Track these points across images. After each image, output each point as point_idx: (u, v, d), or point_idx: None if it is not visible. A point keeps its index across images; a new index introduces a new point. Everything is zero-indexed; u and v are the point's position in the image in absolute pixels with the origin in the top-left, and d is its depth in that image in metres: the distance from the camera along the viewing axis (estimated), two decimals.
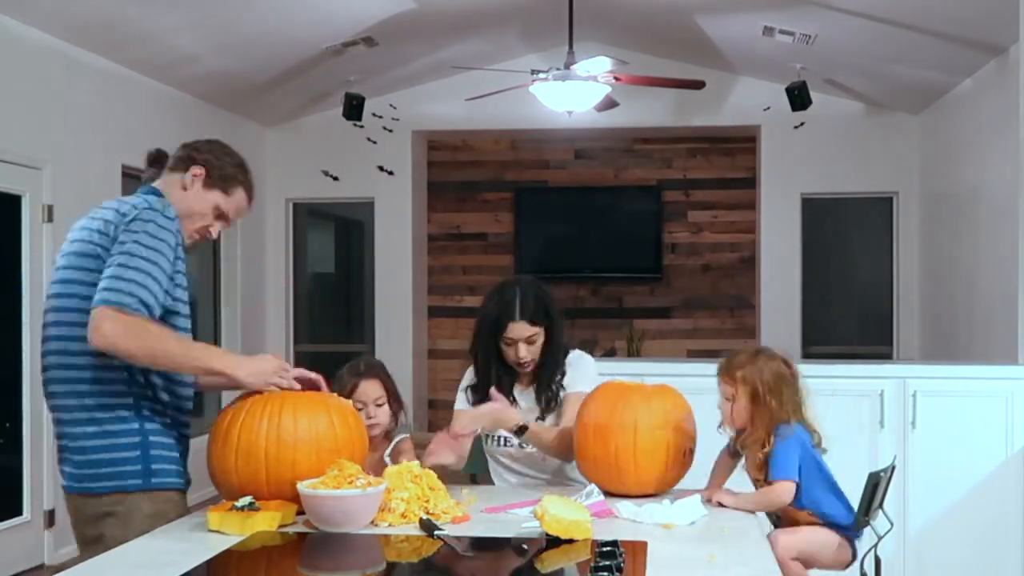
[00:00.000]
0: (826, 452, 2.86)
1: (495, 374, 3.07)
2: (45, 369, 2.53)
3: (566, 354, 3.11)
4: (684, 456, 2.78)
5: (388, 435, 3.03)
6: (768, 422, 2.76)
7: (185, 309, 2.54)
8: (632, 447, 2.71)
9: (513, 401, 3.05)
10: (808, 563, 2.85)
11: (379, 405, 2.97)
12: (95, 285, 2.37)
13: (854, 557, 2.93)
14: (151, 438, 2.49)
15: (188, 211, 2.56)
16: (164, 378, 2.51)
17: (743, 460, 2.88)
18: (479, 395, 3.08)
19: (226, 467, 2.44)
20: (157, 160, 2.65)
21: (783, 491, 2.74)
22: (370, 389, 2.96)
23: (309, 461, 2.41)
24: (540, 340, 3.00)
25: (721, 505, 2.65)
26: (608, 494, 2.62)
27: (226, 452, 2.44)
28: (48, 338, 2.53)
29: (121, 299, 2.32)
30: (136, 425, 2.47)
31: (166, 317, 2.45)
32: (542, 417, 3.06)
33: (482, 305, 3.10)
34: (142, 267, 2.36)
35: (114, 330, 2.31)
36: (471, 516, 2.50)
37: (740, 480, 2.89)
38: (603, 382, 2.94)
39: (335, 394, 2.67)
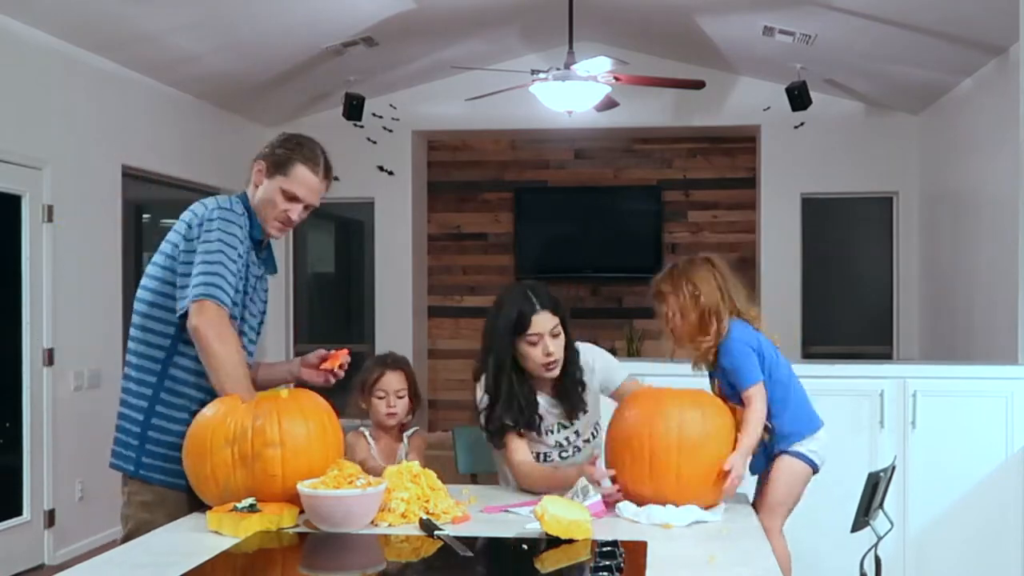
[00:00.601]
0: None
1: (516, 389, 2.90)
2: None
3: (577, 354, 3.03)
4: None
5: (403, 427, 3.17)
6: (717, 327, 2.67)
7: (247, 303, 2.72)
8: (679, 454, 2.55)
9: (540, 419, 2.94)
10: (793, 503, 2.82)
11: (400, 397, 3.12)
12: (159, 278, 2.62)
13: (815, 470, 2.86)
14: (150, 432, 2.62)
15: (262, 204, 2.69)
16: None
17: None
18: (499, 413, 2.90)
19: (203, 474, 2.45)
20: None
21: (758, 397, 2.66)
22: (393, 380, 3.12)
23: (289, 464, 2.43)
24: (563, 334, 2.92)
25: (729, 476, 2.53)
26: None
27: (202, 461, 2.44)
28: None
29: (213, 294, 2.51)
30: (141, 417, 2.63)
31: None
32: (569, 420, 2.98)
33: (492, 314, 2.95)
34: (224, 262, 2.54)
35: (203, 321, 2.49)
36: (471, 516, 2.50)
37: None
38: (641, 388, 2.88)
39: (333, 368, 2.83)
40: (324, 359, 2.87)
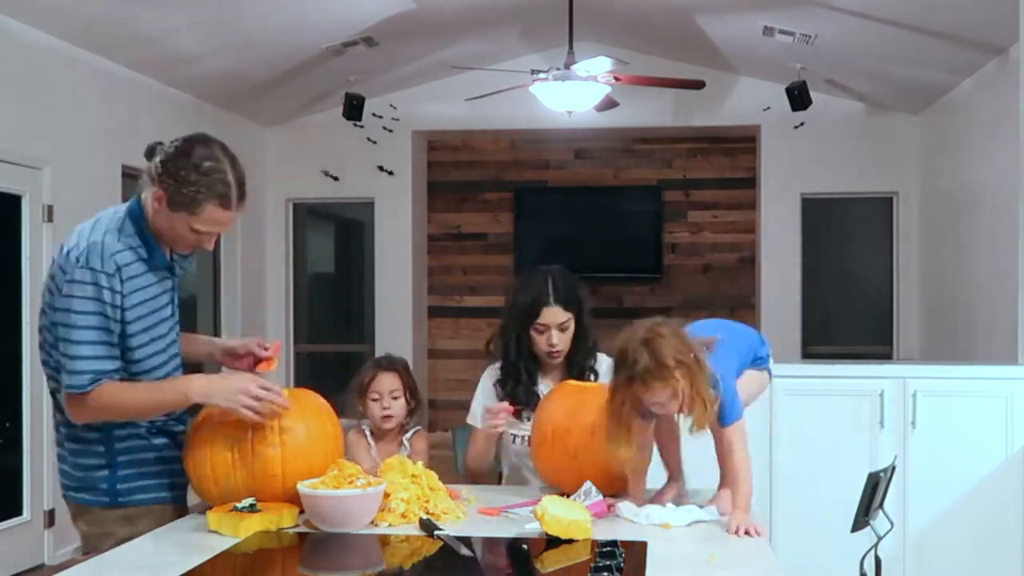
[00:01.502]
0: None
1: (524, 366, 3.05)
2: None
3: (595, 353, 3.10)
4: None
5: (402, 428, 3.13)
6: (706, 380, 2.42)
7: (144, 339, 2.41)
8: (592, 448, 2.62)
9: (537, 399, 3.04)
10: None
11: (395, 398, 3.07)
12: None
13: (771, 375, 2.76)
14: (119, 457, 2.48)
15: (165, 231, 2.41)
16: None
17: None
18: (507, 388, 3.08)
19: (203, 474, 2.44)
20: (151, 156, 2.44)
21: (742, 441, 2.50)
22: (387, 381, 3.07)
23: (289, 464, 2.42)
24: (571, 329, 3.01)
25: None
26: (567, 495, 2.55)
27: (201, 460, 2.44)
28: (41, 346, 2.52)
29: (76, 381, 2.30)
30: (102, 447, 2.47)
31: (126, 355, 2.39)
32: None
33: (511, 294, 3.12)
34: (75, 339, 2.29)
35: (82, 416, 2.37)
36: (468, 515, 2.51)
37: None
38: (560, 384, 2.95)
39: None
40: (256, 358, 2.67)
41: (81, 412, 2.37)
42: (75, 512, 2.53)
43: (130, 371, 2.41)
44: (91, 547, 2.43)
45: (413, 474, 2.51)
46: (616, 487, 2.67)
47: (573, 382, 2.96)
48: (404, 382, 3.10)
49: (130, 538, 2.33)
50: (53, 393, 2.51)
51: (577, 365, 3.07)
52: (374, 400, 3.07)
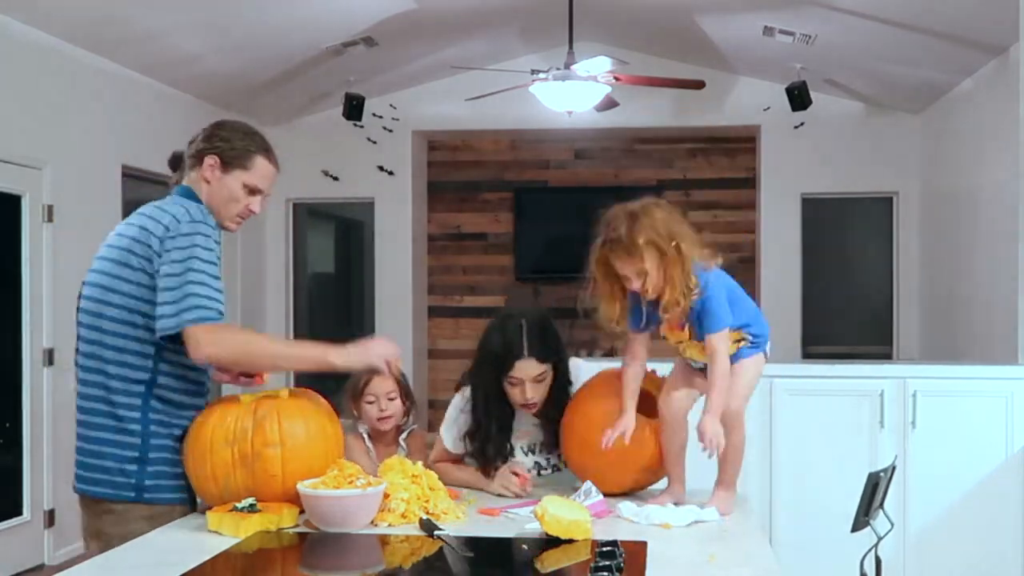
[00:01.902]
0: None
1: (495, 412, 2.84)
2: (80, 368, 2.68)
3: (569, 380, 2.88)
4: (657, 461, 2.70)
5: (399, 429, 3.15)
6: (683, 272, 2.43)
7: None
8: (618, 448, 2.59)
9: (511, 450, 2.89)
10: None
11: (391, 399, 3.08)
12: (130, 295, 2.51)
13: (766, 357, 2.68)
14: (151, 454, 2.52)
15: (220, 201, 2.57)
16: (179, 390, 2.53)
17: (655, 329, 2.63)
18: (476, 444, 2.86)
19: (203, 474, 2.43)
20: (176, 163, 2.65)
21: (723, 348, 2.48)
22: (382, 384, 3.07)
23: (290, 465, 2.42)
24: (548, 379, 2.77)
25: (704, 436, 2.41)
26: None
27: (201, 460, 2.44)
28: (81, 339, 2.68)
29: (208, 315, 2.40)
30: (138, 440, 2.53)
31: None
32: (549, 452, 2.92)
33: (484, 336, 2.89)
34: (208, 281, 2.44)
35: (215, 346, 2.41)
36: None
37: None
38: (595, 376, 2.85)
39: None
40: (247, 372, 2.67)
41: (209, 345, 2.39)
42: (92, 507, 2.58)
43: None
44: (107, 545, 2.42)
45: (413, 474, 2.51)
46: (635, 483, 2.66)
47: (604, 375, 2.80)
48: (399, 383, 3.10)
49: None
50: (84, 373, 2.68)
51: (553, 417, 2.81)
52: (370, 403, 3.07)
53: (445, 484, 2.56)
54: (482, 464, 2.86)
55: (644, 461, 2.70)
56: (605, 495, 2.53)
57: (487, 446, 2.84)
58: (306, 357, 2.58)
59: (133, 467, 2.53)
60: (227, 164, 2.54)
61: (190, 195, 2.57)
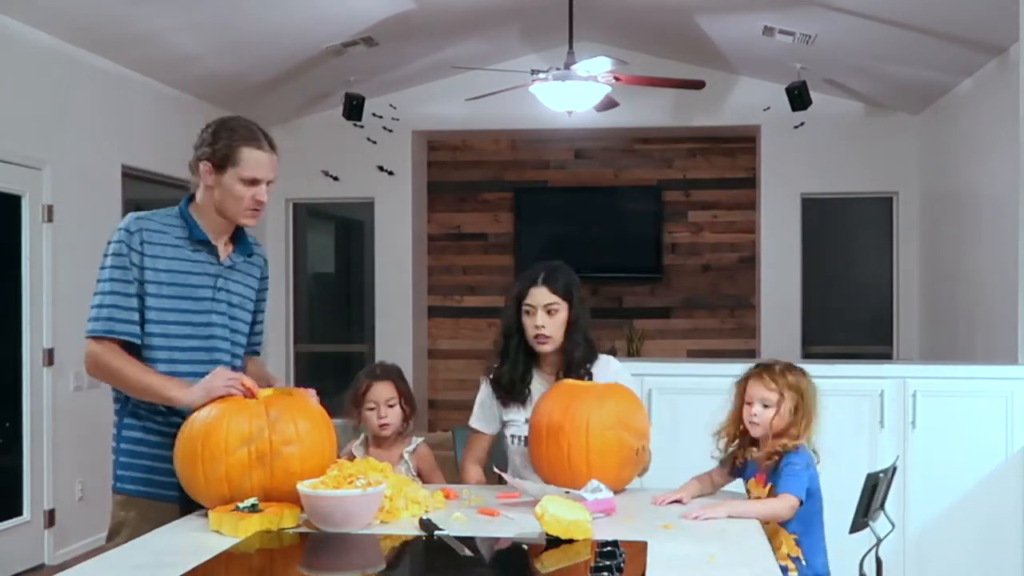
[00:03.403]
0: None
1: (520, 360, 3.06)
2: None
3: (593, 353, 3.09)
4: (636, 454, 2.81)
5: (400, 436, 3.12)
6: (800, 434, 2.72)
7: (167, 313, 2.61)
8: (585, 446, 2.73)
9: (529, 394, 3.07)
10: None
11: (390, 406, 3.08)
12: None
13: None
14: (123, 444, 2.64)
15: (227, 201, 2.63)
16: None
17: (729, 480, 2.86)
18: (502, 379, 3.09)
19: (215, 476, 2.43)
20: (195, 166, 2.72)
21: (788, 506, 2.65)
22: (382, 391, 3.08)
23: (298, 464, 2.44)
24: (561, 316, 3.01)
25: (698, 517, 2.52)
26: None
27: (213, 463, 2.43)
28: None
29: (92, 328, 2.56)
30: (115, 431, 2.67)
31: (146, 325, 2.59)
32: None
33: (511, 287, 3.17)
34: (98, 296, 2.57)
35: (86, 361, 2.59)
36: (499, 512, 2.53)
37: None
38: (557, 383, 2.98)
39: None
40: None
41: (89, 361, 2.58)
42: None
43: (156, 342, 2.58)
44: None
45: (381, 470, 2.52)
46: (614, 488, 2.68)
47: (570, 380, 2.97)
48: (399, 390, 3.10)
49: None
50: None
51: (569, 357, 3.04)
52: (370, 410, 3.07)
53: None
54: (502, 399, 3.09)
55: (621, 460, 2.78)
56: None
57: (512, 377, 3.05)
58: (152, 390, 2.56)
59: (112, 456, 2.70)
60: (218, 166, 2.60)
61: (181, 205, 2.69)
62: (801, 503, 2.67)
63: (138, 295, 2.56)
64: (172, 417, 2.58)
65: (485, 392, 3.17)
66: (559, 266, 3.10)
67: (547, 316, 2.99)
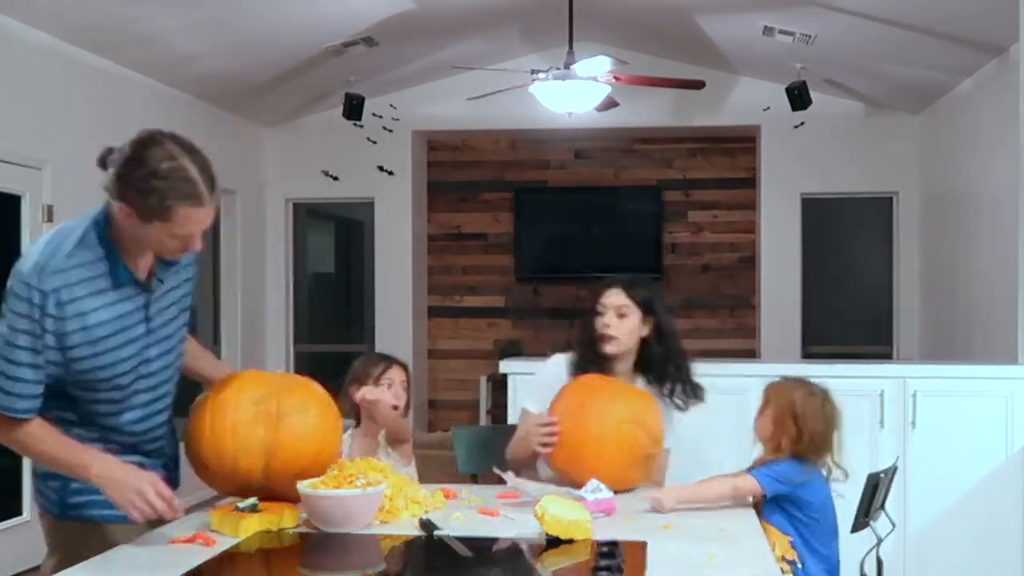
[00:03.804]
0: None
1: (588, 354, 3.09)
2: None
3: (685, 377, 3.12)
4: (646, 459, 2.81)
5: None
6: (789, 448, 2.78)
7: (97, 361, 2.23)
8: (597, 437, 2.75)
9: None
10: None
11: (405, 389, 3.09)
12: None
13: None
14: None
15: (146, 243, 2.24)
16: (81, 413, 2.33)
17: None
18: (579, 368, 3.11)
19: (223, 425, 2.41)
20: (103, 165, 2.25)
21: (740, 483, 2.71)
22: (400, 374, 3.10)
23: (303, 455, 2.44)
24: (632, 320, 3.03)
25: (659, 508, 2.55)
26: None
27: (222, 414, 2.44)
28: None
29: (14, 404, 2.19)
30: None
31: (76, 386, 2.26)
32: None
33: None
34: (21, 359, 2.17)
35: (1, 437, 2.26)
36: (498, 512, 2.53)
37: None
38: (573, 380, 3.00)
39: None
40: None
41: (3, 438, 2.26)
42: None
43: (85, 395, 2.28)
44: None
45: (381, 470, 2.52)
46: (618, 486, 2.68)
47: (589, 377, 2.97)
48: (407, 376, 3.12)
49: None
50: None
51: (648, 369, 3.08)
52: (388, 386, 3.03)
53: (519, 460, 2.95)
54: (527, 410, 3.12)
55: (631, 458, 2.77)
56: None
57: (587, 368, 3.05)
58: (69, 465, 2.25)
59: (56, 483, 2.39)
60: (143, 214, 2.15)
61: (99, 227, 2.27)
62: (765, 497, 2.73)
63: (50, 360, 2.18)
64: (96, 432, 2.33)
65: (550, 372, 3.14)
66: (641, 278, 3.17)
67: (617, 319, 3.02)
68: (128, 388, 2.33)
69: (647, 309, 3.06)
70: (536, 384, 3.21)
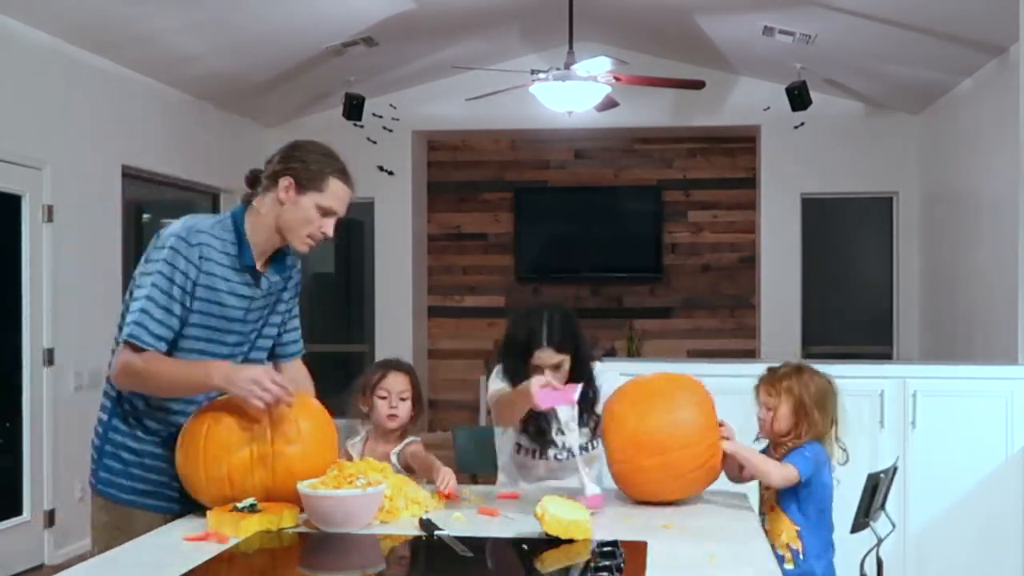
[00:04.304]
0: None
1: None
2: None
3: (588, 367, 3.10)
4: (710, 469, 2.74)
5: (403, 434, 3.06)
6: (813, 434, 2.84)
7: (200, 331, 2.51)
8: (679, 464, 2.66)
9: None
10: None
11: (403, 399, 3.04)
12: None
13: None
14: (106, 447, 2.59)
15: (294, 222, 2.54)
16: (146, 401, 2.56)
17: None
18: (532, 439, 3.11)
19: (216, 476, 2.42)
20: (253, 181, 2.62)
21: (787, 473, 2.76)
22: (396, 382, 3.05)
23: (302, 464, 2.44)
24: (567, 367, 2.99)
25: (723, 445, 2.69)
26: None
27: (215, 462, 2.42)
28: None
29: (138, 333, 2.43)
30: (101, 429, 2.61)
31: (177, 341, 2.49)
32: (592, 440, 3.10)
33: (508, 329, 3.12)
34: (147, 306, 2.44)
35: (121, 374, 2.48)
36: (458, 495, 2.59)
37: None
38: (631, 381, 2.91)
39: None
40: None
41: (124, 370, 2.45)
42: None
43: (181, 356, 2.50)
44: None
45: (381, 470, 2.51)
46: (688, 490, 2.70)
47: (640, 378, 2.90)
48: (413, 385, 3.07)
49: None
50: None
51: (583, 404, 2.98)
52: (382, 398, 3.02)
53: (505, 418, 2.96)
54: (536, 442, 3.09)
55: (695, 463, 2.68)
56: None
57: (540, 425, 3.04)
58: (192, 379, 2.47)
59: (95, 455, 2.63)
60: (302, 185, 2.52)
61: (236, 217, 2.57)
62: (800, 483, 2.77)
63: (181, 310, 2.46)
64: (161, 425, 2.55)
65: (503, 385, 3.09)
66: (560, 313, 3.05)
67: (555, 372, 2.96)
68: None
69: (574, 347, 3.02)
70: (493, 381, 3.13)
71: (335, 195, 2.55)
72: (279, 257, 2.64)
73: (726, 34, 7.04)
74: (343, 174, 2.57)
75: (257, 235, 2.56)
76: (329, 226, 2.56)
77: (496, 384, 3.11)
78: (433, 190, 8.91)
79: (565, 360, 2.99)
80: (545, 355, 2.96)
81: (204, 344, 2.52)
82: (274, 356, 2.81)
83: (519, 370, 3.00)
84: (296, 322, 2.83)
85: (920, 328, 7.96)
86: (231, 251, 2.53)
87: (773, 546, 2.67)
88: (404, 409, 3.04)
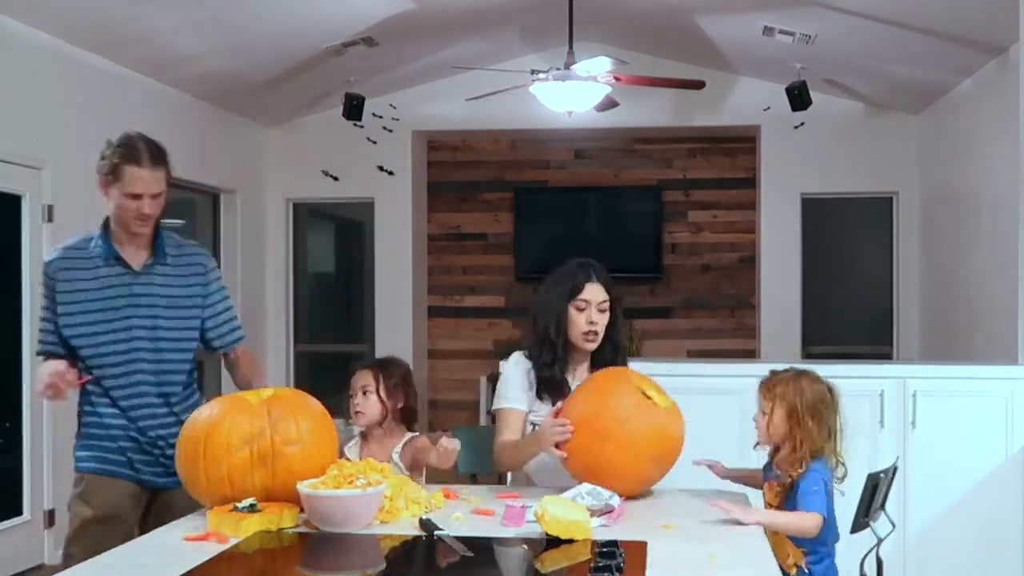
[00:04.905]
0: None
1: (565, 355, 3.01)
2: None
3: (622, 360, 3.09)
4: (668, 454, 2.76)
5: (392, 432, 3.01)
6: (810, 445, 2.75)
7: (83, 328, 2.91)
8: (627, 450, 2.67)
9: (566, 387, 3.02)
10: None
11: (365, 394, 2.97)
12: None
13: None
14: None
15: (116, 212, 2.88)
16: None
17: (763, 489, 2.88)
18: (544, 370, 3.02)
19: (216, 477, 2.42)
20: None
21: (815, 524, 2.68)
22: (359, 377, 3.00)
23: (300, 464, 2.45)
24: (608, 315, 3.03)
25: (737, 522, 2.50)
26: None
27: (215, 463, 2.43)
28: None
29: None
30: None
31: (72, 340, 2.94)
32: None
33: (547, 282, 3.16)
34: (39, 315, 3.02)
35: None
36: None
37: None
38: (592, 374, 2.94)
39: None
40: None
41: None
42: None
43: (84, 352, 2.94)
44: None
45: (381, 470, 2.51)
46: (636, 489, 2.68)
47: (607, 369, 2.92)
48: (377, 379, 2.97)
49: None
50: None
51: (603, 361, 3.03)
52: (351, 396, 3.00)
53: (511, 467, 2.92)
54: (548, 390, 2.99)
55: (655, 451, 2.70)
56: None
57: (553, 368, 3.00)
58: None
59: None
60: (108, 181, 2.85)
61: (105, 220, 2.97)
62: (825, 520, 2.70)
63: (57, 316, 2.89)
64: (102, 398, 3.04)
65: (518, 371, 3.06)
66: (600, 266, 3.16)
67: (599, 315, 3.01)
68: (110, 352, 2.93)
69: (615, 301, 3.07)
70: (509, 383, 3.06)
71: (133, 181, 2.82)
72: (156, 242, 2.97)
73: (726, 34, 7.04)
74: (133, 158, 2.82)
75: (117, 230, 2.92)
76: (144, 206, 2.84)
77: (512, 370, 3.05)
78: (433, 190, 8.91)
79: (608, 305, 3.03)
80: (595, 289, 3.02)
81: (98, 341, 2.92)
82: (214, 348, 3.10)
83: (563, 318, 2.99)
84: (229, 313, 3.16)
85: (920, 328, 7.96)
86: (96, 251, 2.91)
87: (781, 567, 2.64)
88: (369, 405, 2.96)
